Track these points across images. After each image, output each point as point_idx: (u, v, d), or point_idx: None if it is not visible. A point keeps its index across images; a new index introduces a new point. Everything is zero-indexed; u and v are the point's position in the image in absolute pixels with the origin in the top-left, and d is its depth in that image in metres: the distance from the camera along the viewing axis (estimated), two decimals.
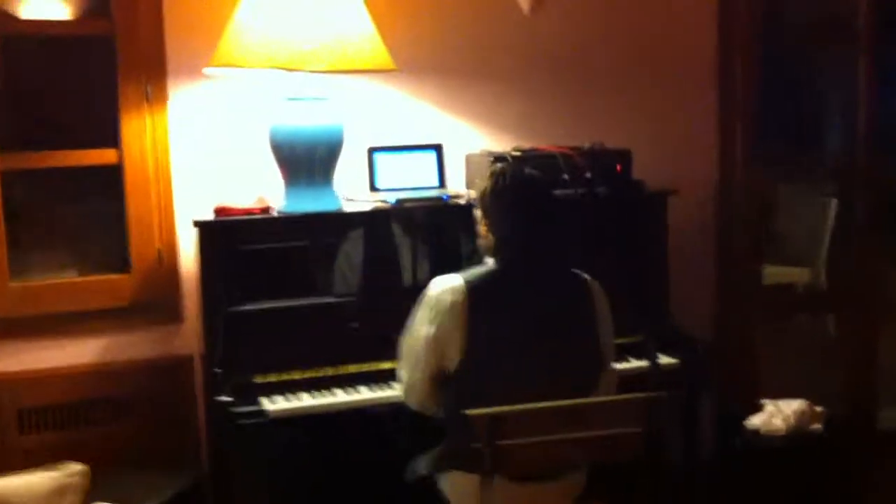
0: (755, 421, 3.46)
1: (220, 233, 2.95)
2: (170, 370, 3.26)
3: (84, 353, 3.23)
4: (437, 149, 3.32)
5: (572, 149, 3.26)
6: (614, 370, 2.70)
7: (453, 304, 2.44)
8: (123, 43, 3.16)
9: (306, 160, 3.01)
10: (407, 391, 2.59)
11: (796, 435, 3.40)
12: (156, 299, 3.25)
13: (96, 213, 3.36)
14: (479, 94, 3.54)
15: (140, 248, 3.22)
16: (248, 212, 3.01)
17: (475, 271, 2.53)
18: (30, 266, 3.23)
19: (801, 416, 3.42)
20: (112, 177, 3.22)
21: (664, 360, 3.09)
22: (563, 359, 2.49)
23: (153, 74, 3.18)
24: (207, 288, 2.96)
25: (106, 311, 3.24)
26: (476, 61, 3.52)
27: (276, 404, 2.79)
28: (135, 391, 3.21)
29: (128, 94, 3.18)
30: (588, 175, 3.21)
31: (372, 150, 3.26)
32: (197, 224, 2.95)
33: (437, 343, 2.47)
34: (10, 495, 2.22)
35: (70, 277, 3.27)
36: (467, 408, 2.27)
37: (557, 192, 2.96)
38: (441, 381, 2.51)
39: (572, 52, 3.63)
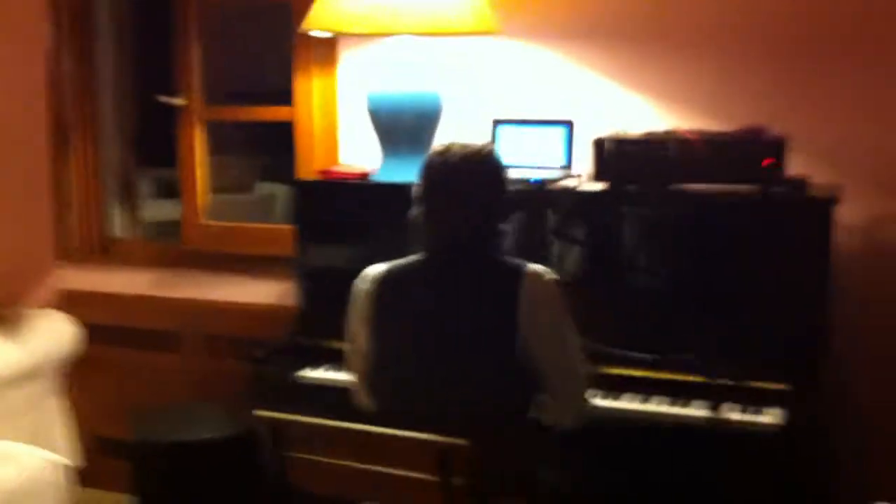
0: None
1: (312, 194, 3.02)
2: None
3: (259, 294, 3.54)
4: (569, 125, 2.94)
5: (711, 134, 2.65)
6: (576, 382, 2.27)
7: (365, 294, 2.27)
8: (298, 9, 3.33)
9: (399, 128, 2.93)
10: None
11: None
12: None
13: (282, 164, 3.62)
14: (655, 66, 3.01)
15: None
16: (346, 176, 3.03)
17: (402, 260, 2.29)
18: (222, 211, 3.64)
19: None
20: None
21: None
22: (464, 359, 2.17)
23: (323, 39, 3.30)
24: (297, 245, 3.05)
25: (279, 259, 3.50)
26: (652, 25, 2.99)
27: (314, 373, 2.80)
28: None
29: (300, 57, 3.36)
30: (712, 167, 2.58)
31: (497, 123, 3.01)
32: (295, 183, 3.05)
33: (351, 335, 2.30)
34: None
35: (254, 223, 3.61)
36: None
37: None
38: None
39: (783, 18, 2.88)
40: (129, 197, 4.04)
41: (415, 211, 2.27)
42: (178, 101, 3.53)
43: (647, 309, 2.64)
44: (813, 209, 2.55)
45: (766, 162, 2.58)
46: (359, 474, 1.91)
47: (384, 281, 2.25)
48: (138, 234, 4.01)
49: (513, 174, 2.78)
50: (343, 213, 2.97)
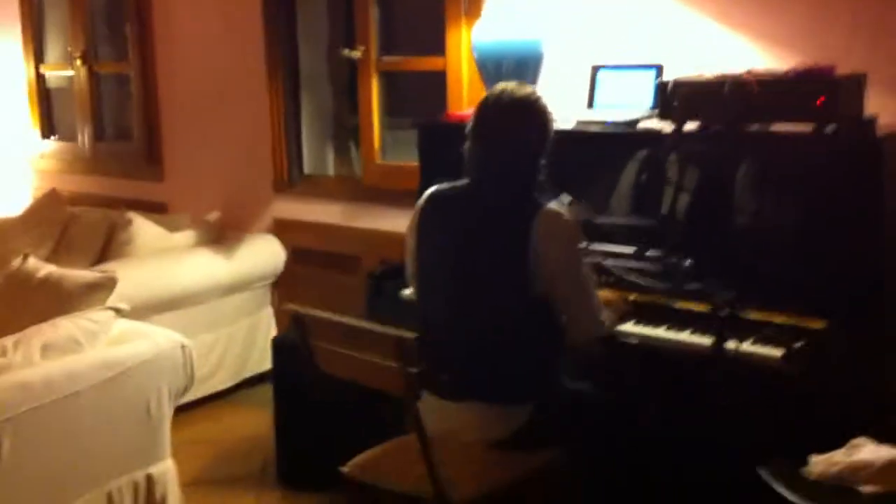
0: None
1: (431, 135, 3.39)
2: None
3: None
4: (657, 68, 3.06)
5: (767, 74, 2.69)
6: (594, 312, 2.47)
7: (417, 208, 2.60)
8: None
9: (502, 74, 3.18)
10: None
11: None
12: None
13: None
14: (748, 4, 3.04)
15: None
16: (460, 119, 3.36)
17: (451, 184, 2.57)
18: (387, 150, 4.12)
19: None
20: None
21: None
22: (478, 286, 2.45)
23: None
24: (421, 181, 3.44)
25: None
26: None
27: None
28: None
29: (449, 8, 3.72)
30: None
31: (595, 68, 3.20)
32: (417, 125, 3.44)
33: (407, 241, 2.64)
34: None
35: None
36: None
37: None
38: None
39: None
40: (339, 139, 4.64)
41: (466, 143, 2.54)
42: (356, 53, 4.04)
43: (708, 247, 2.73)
44: (864, 147, 2.52)
45: (819, 101, 2.57)
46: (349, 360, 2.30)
47: (431, 198, 2.56)
48: (346, 172, 4.59)
49: (597, 116, 3.01)
50: (457, 151, 3.30)
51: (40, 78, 5.81)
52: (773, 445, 2.36)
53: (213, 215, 4.47)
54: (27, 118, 5.88)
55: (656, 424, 2.61)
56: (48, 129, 5.87)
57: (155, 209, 4.93)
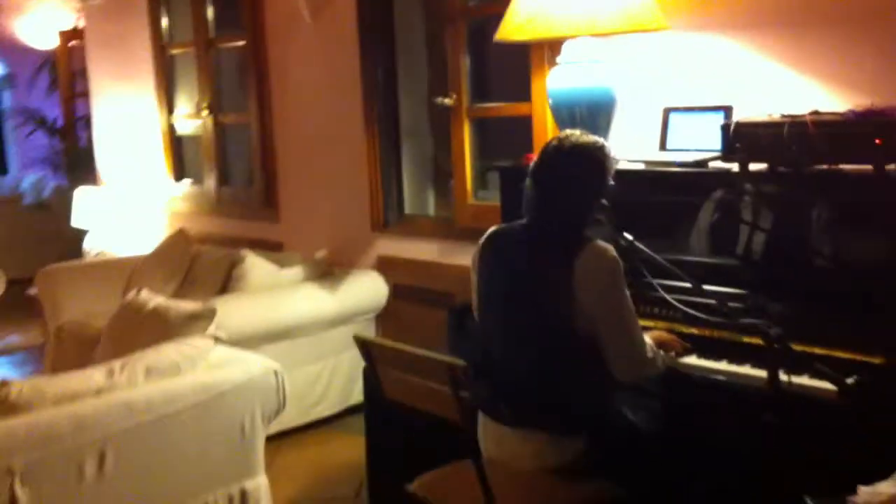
0: None
1: (510, 176, 3.56)
2: None
3: None
4: (726, 110, 3.16)
5: (826, 115, 2.76)
6: (637, 348, 2.54)
7: (477, 248, 2.77)
8: None
9: (576, 120, 3.34)
10: None
11: None
12: None
13: None
14: (818, 47, 3.11)
15: None
16: None
17: (511, 223, 2.73)
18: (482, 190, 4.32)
19: None
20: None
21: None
22: (527, 319, 2.58)
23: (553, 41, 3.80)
24: (502, 219, 3.60)
25: None
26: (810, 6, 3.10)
27: None
28: None
29: (534, 58, 3.91)
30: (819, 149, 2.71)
31: (668, 111, 3.32)
32: (497, 168, 3.63)
33: (472, 283, 2.81)
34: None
35: None
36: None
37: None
38: None
39: None
40: (439, 181, 4.87)
41: (527, 183, 2.67)
42: (449, 101, 4.26)
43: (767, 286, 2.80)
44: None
45: (878, 141, 2.63)
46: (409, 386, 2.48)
47: (490, 236, 2.72)
48: (445, 212, 4.80)
49: (666, 157, 3.13)
50: None
51: (171, 128, 6.29)
52: (825, 478, 2.41)
53: (321, 253, 4.75)
54: (162, 164, 6.37)
55: (707, 456, 2.67)
56: (179, 174, 6.33)
57: (272, 248, 5.27)
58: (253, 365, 3.17)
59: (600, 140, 2.66)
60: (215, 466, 3.06)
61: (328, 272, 4.69)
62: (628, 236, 2.76)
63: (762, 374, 2.56)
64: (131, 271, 5.31)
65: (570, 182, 2.60)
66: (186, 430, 2.96)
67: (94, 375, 2.87)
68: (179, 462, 2.96)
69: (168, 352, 3.02)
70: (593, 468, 2.57)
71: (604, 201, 2.72)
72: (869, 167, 2.63)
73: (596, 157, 2.61)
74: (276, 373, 3.18)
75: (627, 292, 2.53)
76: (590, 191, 2.60)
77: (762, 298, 2.73)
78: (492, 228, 2.76)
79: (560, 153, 2.62)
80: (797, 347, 2.54)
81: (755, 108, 3.01)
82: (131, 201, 6.54)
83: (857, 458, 2.42)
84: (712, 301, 2.68)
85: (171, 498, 2.95)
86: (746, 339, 2.72)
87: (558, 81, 3.36)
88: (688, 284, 2.80)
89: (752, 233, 2.91)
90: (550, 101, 3.42)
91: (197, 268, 5.07)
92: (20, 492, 2.58)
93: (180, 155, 6.34)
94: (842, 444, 2.46)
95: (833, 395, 2.47)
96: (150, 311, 3.31)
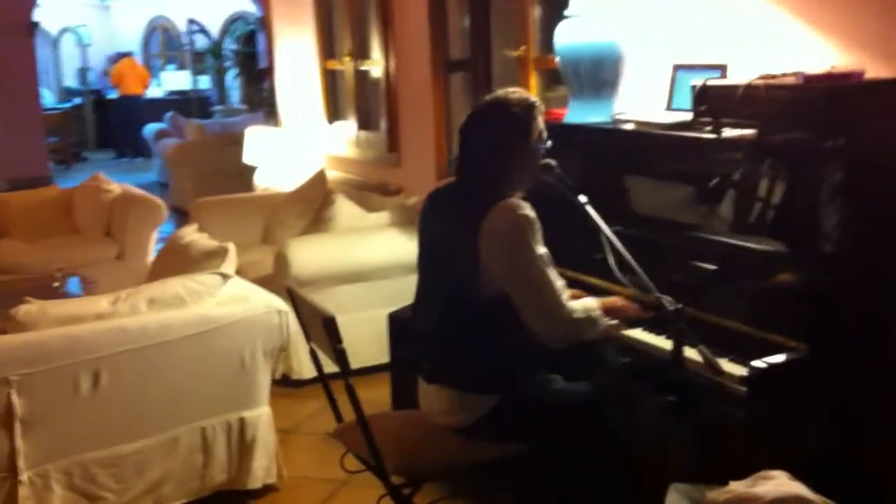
0: None
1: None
2: None
3: None
4: (721, 69, 2.96)
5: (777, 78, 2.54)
6: (550, 309, 2.47)
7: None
8: None
9: (581, 75, 3.27)
10: None
11: None
12: None
13: None
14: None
15: None
16: (557, 117, 3.46)
17: (446, 183, 2.74)
18: None
19: None
20: None
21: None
22: (435, 280, 2.63)
23: None
24: None
25: None
26: None
27: None
28: None
29: None
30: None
31: (677, 68, 3.16)
32: None
33: None
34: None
35: None
36: None
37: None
38: None
39: None
40: None
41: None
42: (517, 52, 4.23)
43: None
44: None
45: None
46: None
47: (429, 195, 2.73)
48: None
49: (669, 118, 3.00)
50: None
51: (327, 72, 6.62)
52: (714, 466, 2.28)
53: (412, 200, 4.88)
54: (320, 107, 6.75)
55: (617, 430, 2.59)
56: (333, 116, 6.67)
57: (393, 193, 5.48)
58: (257, 303, 3.39)
59: (531, 98, 2.61)
60: (213, 395, 3.32)
61: (415, 219, 4.79)
62: (582, 198, 2.70)
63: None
64: (274, 206, 5.70)
65: (493, 140, 2.56)
66: (182, 358, 3.22)
67: (101, 302, 3.21)
68: (175, 388, 3.24)
69: (174, 285, 3.30)
70: (500, 429, 2.56)
71: (551, 161, 2.68)
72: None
73: (520, 116, 2.56)
74: (279, 312, 3.38)
75: (540, 251, 2.45)
76: (513, 150, 2.55)
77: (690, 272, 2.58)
78: (434, 188, 2.78)
79: (486, 111, 2.59)
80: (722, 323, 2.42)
81: (766, 67, 2.79)
82: (293, 141, 6.97)
83: (745, 449, 2.28)
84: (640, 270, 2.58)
85: (166, 419, 3.24)
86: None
87: (563, 36, 3.27)
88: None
89: (701, 200, 2.74)
90: (557, 56, 3.33)
91: (324, 207, 5.37)
92: (16, 400, 2.96)
93: (335, 98, 6.67)
94: (732, 432, 2.32)
95: (737, 380, 2.32)
96: (181, 246, 3.62)
